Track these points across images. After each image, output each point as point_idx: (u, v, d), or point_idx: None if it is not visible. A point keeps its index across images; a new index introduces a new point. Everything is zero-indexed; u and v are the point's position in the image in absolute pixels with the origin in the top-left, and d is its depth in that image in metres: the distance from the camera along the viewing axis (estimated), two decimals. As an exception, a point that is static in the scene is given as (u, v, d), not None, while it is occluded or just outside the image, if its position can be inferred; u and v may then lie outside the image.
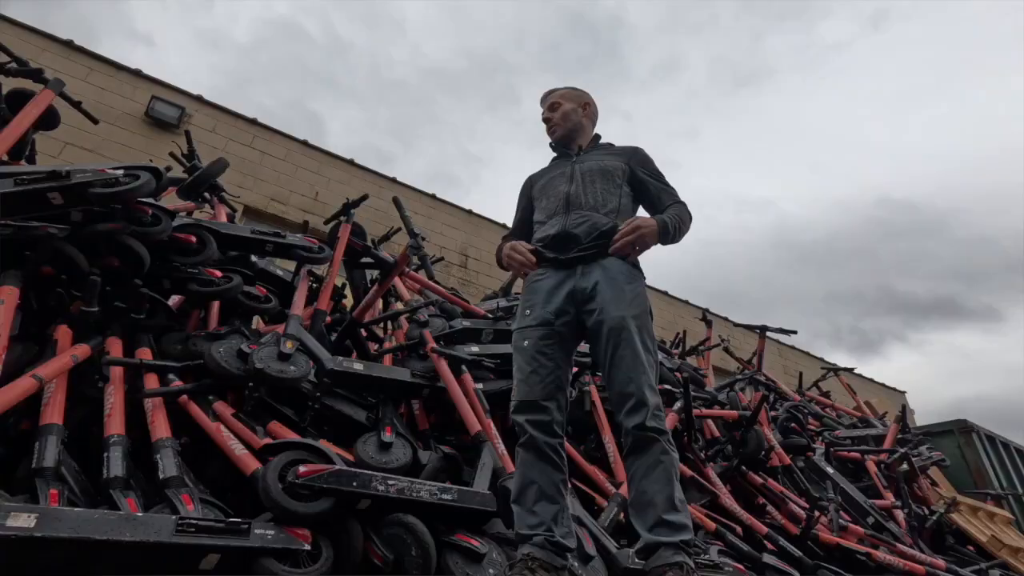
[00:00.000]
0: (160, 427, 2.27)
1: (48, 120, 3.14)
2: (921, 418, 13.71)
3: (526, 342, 2.14)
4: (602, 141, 2.52)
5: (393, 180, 9.48)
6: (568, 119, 2.46)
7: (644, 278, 2.19)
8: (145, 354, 2.67)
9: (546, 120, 2.49)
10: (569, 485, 2.10)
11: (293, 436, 2.48)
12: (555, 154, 2.53)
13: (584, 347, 2.46)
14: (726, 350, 7.83)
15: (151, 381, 2.51)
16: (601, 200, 2.24)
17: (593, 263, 2.14)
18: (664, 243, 2.15)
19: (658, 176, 2.37)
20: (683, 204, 2.28)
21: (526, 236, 2.42)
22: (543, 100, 2.54)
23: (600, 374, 4.11)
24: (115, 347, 2.60)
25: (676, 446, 2.01)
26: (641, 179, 2.34)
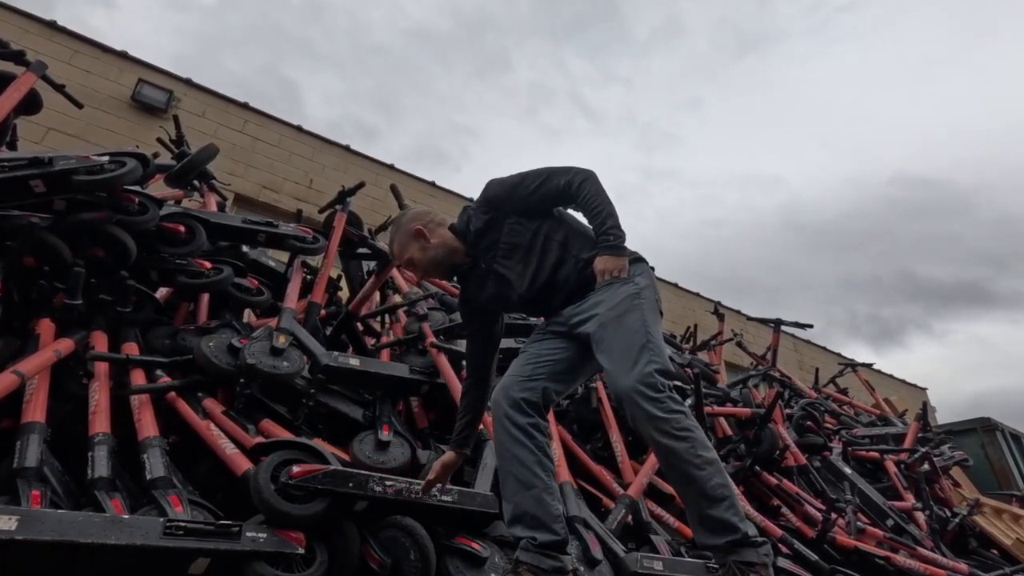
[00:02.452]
0: (147, 425, 2.27)
1: (30, 104, 3.14)
2: (943, 415, 13.72)
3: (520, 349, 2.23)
4: (463, 219, 2.25)
5: (391, 167, 9.46)
6: (424, 260, 2.21)
7: (619, 279, 2.05)
8: (131, 349, 2.66)
9: (420, 279, 2.44)
10: (553, 464, 2.03)
11: (286, 435, 2.48)
12: (459, 272, 2.31)
13: None
14: (739, 345, 7.80)
15: (138, 377, 2.51)
16: (548, 272, 2.11)
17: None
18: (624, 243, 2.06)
19: (524, 190, 2.13)
20: (576, 186, 2.07)
21: (486, 359, 2.33)
22: (396, 261, 2.46)
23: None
24: (100, 342, 2.60)
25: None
26: (521, 205, 2.15)
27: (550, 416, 2.34)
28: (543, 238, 2.12)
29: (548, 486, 1.98)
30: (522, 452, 1.98)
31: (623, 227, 2.04)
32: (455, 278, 2.34)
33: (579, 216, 2.20)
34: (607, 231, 2.02)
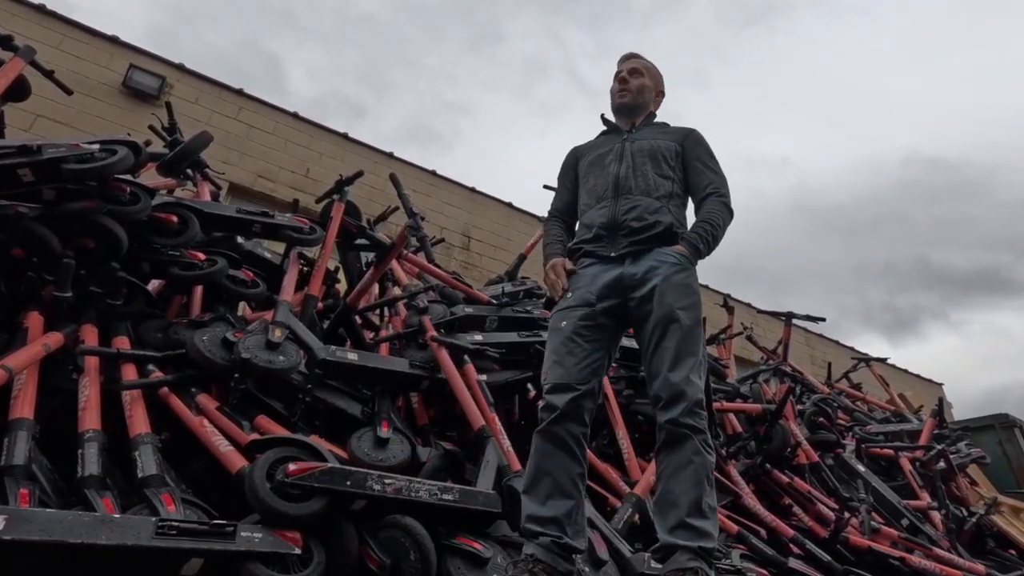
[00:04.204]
0: (139, 422, 2.26)
1: (18, 90, 3.11)
2: (959, 411, 13.66)
3: (564, 323, 2.18)
4: (657, 120, 2.57)
5: (390, 155, 9.43)
6: (642, 94, 2.51)
7: (695, 267, 2.23)
8: (123, 343, 2.66)
9: (622, 80, 2.52)
10: (586, 480, 2.10)
11: (282, 432, 2.48)
12: (604, 128, 2.59)
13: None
14: (749, 338, 7.77)
15: (129, 372, 2.50)
16: (653, 184, 2.28)
17: (644, 253, 2.19)
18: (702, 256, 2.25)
19: (706, 158, 2.39)
20: (721, 199, 2.30)
21: (572, 216, 2.52)
22: (625, 59, 2.58)
23: (615, 365, 4.11)
24: (90, 335, 2.59)
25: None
26: (689, 160, 2.38)
27: None
28: (671, 172, 2.33)
29: (581, 503, 2.05)
30: (568, 460, 2.03)
31: (707, 254, 2.25)
32: (602, 131, 2.60)
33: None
34: (703, 235, 2.22)
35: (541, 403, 2.12)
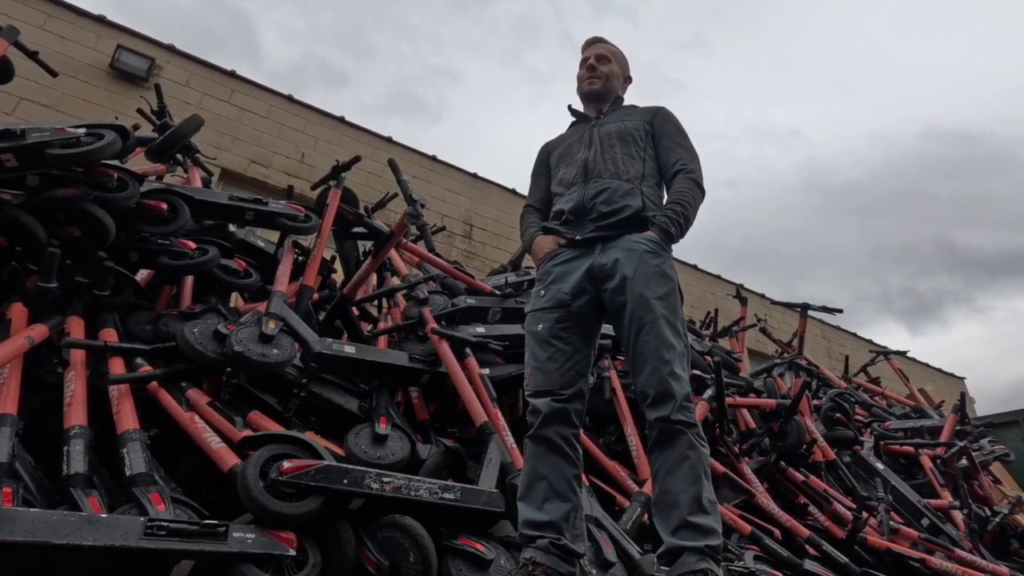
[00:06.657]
0: (127, 418, 2.26)
1: (1, 73, 3.10)
2: (982, 406, 13.66)
3: (540, 326, 2.17)
4: (625, 104, 2.58)
5: (388, 140, 9.42)
6: (610, 81, 2.53)
7: (670, 252, 2.20)
8: (110, 335, 2.65)
9: (590, 67, 2.53)
10: (584, 481, 2.09)
11: (276, 428, 2.47)
12: (573, 119, 2.60)
13: (606, 328, 2.45)
14: (763, 331, 7.77)
15: (117, 366, 2.50)
16: (622, 166, 2.28)
17: (614, 239, 2.17)
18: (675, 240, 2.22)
19: (675, 134, 2.40)
20: (690, 175, 2.27)
21: (548, 207, 2.50)
22: (591, 44, 2.58)
23: (622, 358, 4.10)
24: (76, 328, 2.59)
25: (707, 439, 2.01)
26: (659, 138, 2.39)
27: None
28: (641, 152, 2.34)
29: (579, 505, 2.04)
30: (562, 463, 2.04)
31: (679, 237, 2.21)
32: (571, 121, 2.61)
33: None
34: (674, 218, 2.18)
35: (528, 407, 2.13)
